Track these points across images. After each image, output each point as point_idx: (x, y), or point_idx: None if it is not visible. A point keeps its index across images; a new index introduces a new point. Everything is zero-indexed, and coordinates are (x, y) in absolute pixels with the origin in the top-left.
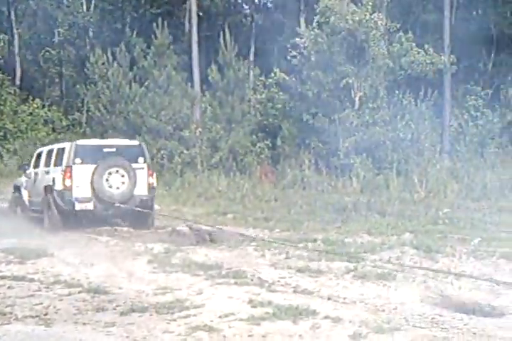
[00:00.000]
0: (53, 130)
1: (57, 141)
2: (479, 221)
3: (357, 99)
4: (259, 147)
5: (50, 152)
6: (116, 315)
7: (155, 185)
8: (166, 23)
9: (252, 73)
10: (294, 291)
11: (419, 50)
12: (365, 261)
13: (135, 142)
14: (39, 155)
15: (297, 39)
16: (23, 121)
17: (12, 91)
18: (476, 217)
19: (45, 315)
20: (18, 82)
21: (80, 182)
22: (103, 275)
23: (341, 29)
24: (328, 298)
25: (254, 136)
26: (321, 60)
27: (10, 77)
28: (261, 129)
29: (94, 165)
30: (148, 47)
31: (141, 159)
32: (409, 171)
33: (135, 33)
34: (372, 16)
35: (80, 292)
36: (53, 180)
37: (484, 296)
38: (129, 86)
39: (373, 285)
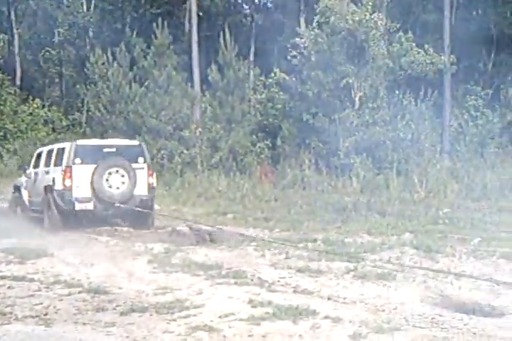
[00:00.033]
0: (53, 130)
1: (57, 141)
2: (479, 221)
3: (357, 99)
4: (259, 147)
5: (50, 152)
6: (116, 315)
7: (155, 185)
8: (166, 23)
9: (252, 73)
10: (294, 291)
11: (419, 50)
12: (365, 261)
13: (135, 142)
14: (39, 155)
15: (297, 39)
16: (23, 121)
17: (12, 92)
18: (476, 217)
19: (45, 315)
20: (18, 82)
21: (80, 182)
22: (103, 276)
23: (341, 29)
24: (328, 298)
25: (254, 136)
26: (321, 60)
27: (10, 77)
28: (261, 129)
29: (94, 165)
30: (148, 47)
31: (141, 159)
32: (410, 171)
33: (135, 33)
34: (372, 16)
35: (80, 292)
36: (53, 180)
37: (484, 296)
38: (129, 86)
39: (373, 285)
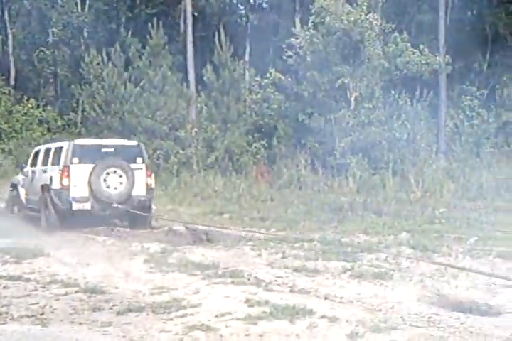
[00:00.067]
0: (48, 130)
1: (52, 141)
2: (475, 220)
3: (352, 99)
4: (255, 147)
5: (47, 150)
6: (112, 315)
7: (153, 185)
8: (161, 23)
9: (247, 73)
10: (291, 291)
11: (415, 51)
12: (362, 260)
13: (133, 142)
14: (37, 154)
15: (292, 39)
16: (17, 121)
17: (6, 92)
18: (472, 217)
19: (42, 314)
20: (12, 82)
21: (78, 182)
22: (100, 275)
23: (336, 29)
24: (325, 298)
25: (250, 136)
26: (316, 60)
27: (4, 77)
28: (257, 129)
29: (92, 165)
30: (144, 47)
31: (139, 159)
32: (405, 171)
33: (130, 33)
34: (368, 17)
35: (76, 292)
36: (51, 179)
37: (481, 295)
38: (124, 86)
39: (370, 284)
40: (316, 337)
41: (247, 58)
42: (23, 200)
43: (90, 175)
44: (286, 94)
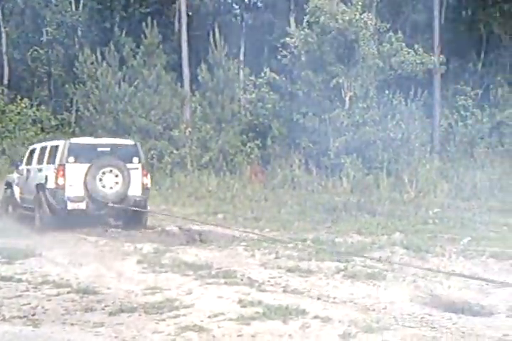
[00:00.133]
0: (42, 130)
1: (45, 140)
2: (469, 220)
3: (347, 98)
4: (249, 147)
5: (43, 149)
6: (105, 315)
7: (149, 185)
8: (155, 22)
9: (242, 73)
10: (284, 291)
11: (409, 50)
12: (355, 260)
13: (130, 142)
14: (32, 152)
15: (287, 39)
16: (11, 120)
17: (0, 91)
18: (466, 217)
19: (33, 315)
20: (5, 82)
21: (73, 181)
22: (92, 276)
23: (331, 29)
24: (318, 298)
25: (244, 136)
26: (311, 60)
27: None
28: (251, 129)
29: (88, 164)
30: (138, 46)
31: (135, 159)
32: (400, 171)
33: (124, 32)
34: (362, 16)
35: (68, 292)
36: (46, 178)
37: (474, 295)
38: (119, 85)
39: (363, 284)
40: (309, 337)
41: (241, 58)
42: (18, 199)
43: (86, 174)
44: (281, 93)
